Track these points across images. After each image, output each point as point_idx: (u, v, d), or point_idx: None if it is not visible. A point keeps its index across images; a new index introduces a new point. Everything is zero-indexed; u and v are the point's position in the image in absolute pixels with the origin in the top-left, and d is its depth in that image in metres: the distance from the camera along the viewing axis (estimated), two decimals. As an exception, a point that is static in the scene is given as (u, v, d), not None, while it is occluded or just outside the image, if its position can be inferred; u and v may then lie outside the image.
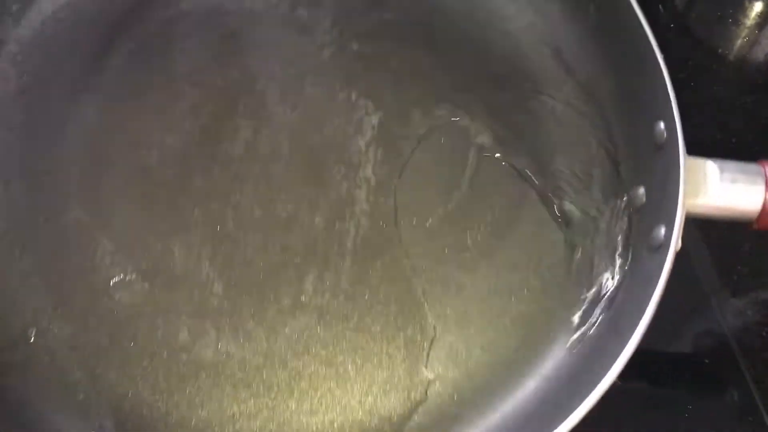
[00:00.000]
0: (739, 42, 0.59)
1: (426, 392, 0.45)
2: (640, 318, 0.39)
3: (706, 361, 0.52)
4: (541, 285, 0.47)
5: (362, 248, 0.48)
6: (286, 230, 0.48)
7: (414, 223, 0.49)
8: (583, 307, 0.46)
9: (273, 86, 0.52)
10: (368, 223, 0.48)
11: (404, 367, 0.45)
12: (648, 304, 0.40)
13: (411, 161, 0.50)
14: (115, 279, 0.46)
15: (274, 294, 0.46)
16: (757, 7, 0.58)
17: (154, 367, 0.44)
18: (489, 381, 0.45)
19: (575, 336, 0.45)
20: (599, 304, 0.45)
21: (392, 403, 0.45)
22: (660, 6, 0.55)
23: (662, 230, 0.42)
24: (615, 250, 0.47)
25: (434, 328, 0.46)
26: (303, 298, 0.46)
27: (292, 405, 0.44)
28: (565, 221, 0.48)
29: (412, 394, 0.45)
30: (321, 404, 0.44)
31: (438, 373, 0.45)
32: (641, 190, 0.47)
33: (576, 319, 0.46)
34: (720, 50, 0.57)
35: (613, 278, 0.46)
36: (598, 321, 0.45)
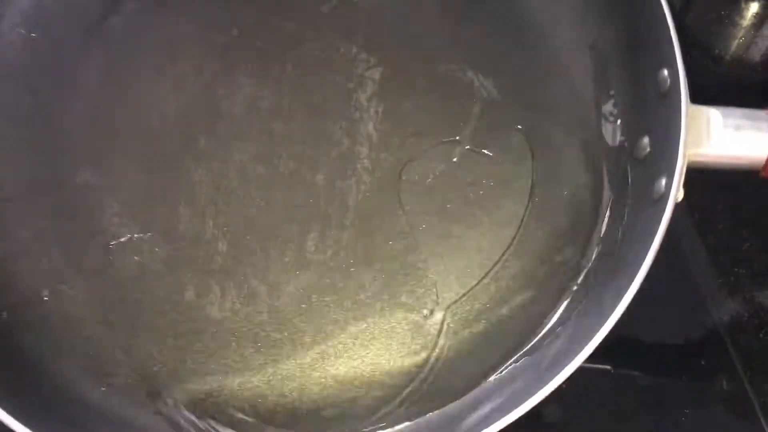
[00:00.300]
0: (735, 43, 0.58)
1: (429, 347, 0.46)
2: (637, 269, 0.39)
3: (702, 362, 0.51)
4: (543, 239, 0.47)
5: (364, 205, 0.48)
6: (288, 188, 0.48)
7: (416, 179, 0.49)
8: (585, 263, 0.46)
9: (272, 43, 0.51)
10: (369, 180, 0.49)
11: (406, 322, 0.46)
12: (645, 254, 0.39)
13: (413, 116, 0.50)
14: (122, 239, 0.47)
15: (277, 251, 0.47)
16: (754, 7, 0.58)
17: (162, 324, 0.45)
18: (491, 335, 0.46)
19: (575, 290, 0.45)
20: (600, 258, 0.45)
21: (394, 358, 0.45)
22: None
23: (663, 181, 0.42)
24: (619, 202, 0.47)
25: (435, 284, 0.46)
26: (306, 255, 0.47)
27: (296, 360, 0.45)
28: (566, 174, 0.48)
29: (414, 349, 0.46)
30: (323, 359, 0.45)
31: (439, 328, 0.46)
32: (645, 140, 0.46)
33: (577, 274, 0.46)
34: (716, 51, 0.57)
35: (616, 232, 0.46)
36: (598, 274, 0.44)
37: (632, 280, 0.39)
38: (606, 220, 0.47)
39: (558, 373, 0.38)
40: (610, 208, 0.47)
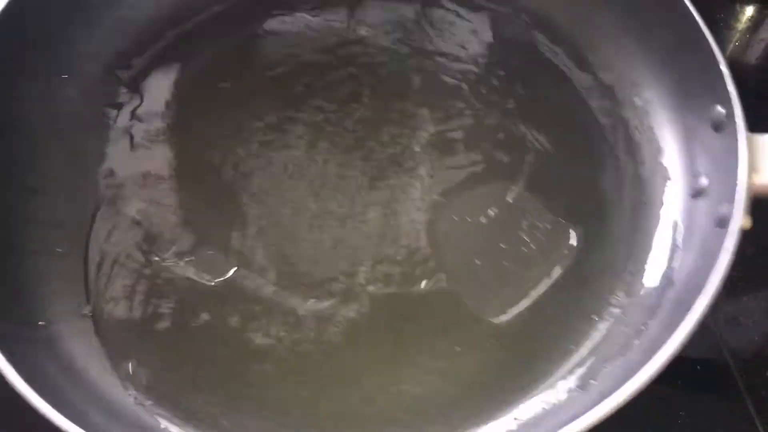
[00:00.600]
0: (730, 46, 0.59)
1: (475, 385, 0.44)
2: (699, 293, 0.38)
3: (698, 367, 0.49)
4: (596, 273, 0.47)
5: (414, 242, 0.48)
6: (340, 224, 0.49)
7: (468, 219, 0.49)
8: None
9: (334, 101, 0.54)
10: (422, 219, 0.49)
11: (448, 358, 0.44)
12: (709, 279, 0.38)
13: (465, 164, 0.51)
14: (172, 262, 0.47)
15: (326, 282, 0.46)
16: (749, 11, 0.59)
17: (200, 348, 0.44)
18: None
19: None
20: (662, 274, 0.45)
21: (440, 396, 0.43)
22: None
23: (726, 207, 0.41)
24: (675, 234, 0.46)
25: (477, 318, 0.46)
26: (355, 289, 0.46)
27: (339, 393, 0.43)
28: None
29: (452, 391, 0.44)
30: (368, 393, 0.43)
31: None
32: (704, 180, 0.45)
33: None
34: None
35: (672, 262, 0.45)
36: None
37: (696, 309, 0.37)
38: (662, 252, 0.46)
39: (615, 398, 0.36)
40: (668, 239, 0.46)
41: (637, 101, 0.52)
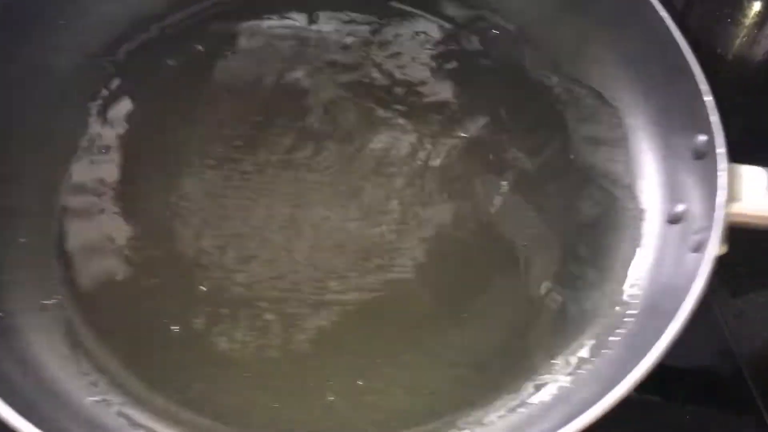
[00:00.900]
0: (737, 42, 0.58)
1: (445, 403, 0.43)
2: (671, 317, 0.37)
3: (707, 363, 0.49)
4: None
5: (388, 253, 0.47)
6: (315, 230, 0.48)
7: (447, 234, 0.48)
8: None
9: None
10: (397, 229, 0.48)
11: (427, 377, 0.43)
12: (680, 307, 0.38)
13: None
14: (137, 261, 0.46)
15: (297, 289, 0.45)
16: (756, 6, 0.58)
17: (165, 350, 0.43)
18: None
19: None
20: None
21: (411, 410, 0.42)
22: None
23: (699, 235, 0.41)
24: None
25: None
26: (326, 296, 0.45)
27: (305, 403, 0.42)
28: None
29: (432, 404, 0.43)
30: (333, 402, 0.42)
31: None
32: (681, 207, 0.45)
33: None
34: (719, 50, 0.57)
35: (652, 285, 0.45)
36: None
37: (665, 332, 0.37)
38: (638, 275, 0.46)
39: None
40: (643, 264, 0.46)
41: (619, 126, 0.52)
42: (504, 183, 0.50)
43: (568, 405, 0.40)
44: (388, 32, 0.56)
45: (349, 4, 0.56)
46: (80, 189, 0.48)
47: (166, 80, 0.53)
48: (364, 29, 0.56)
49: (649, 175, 0.49)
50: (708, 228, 0.40)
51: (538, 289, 0.46)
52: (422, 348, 0.44)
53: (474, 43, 0.56)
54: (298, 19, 0.56)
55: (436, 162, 0.51)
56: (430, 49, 0.55)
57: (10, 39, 0.49)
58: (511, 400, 0.42)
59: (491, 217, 0.49)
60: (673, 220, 0.46)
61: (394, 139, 0.51)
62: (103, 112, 0.51)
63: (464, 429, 0.42)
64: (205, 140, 0.51)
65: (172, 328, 0.44)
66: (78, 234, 0.46)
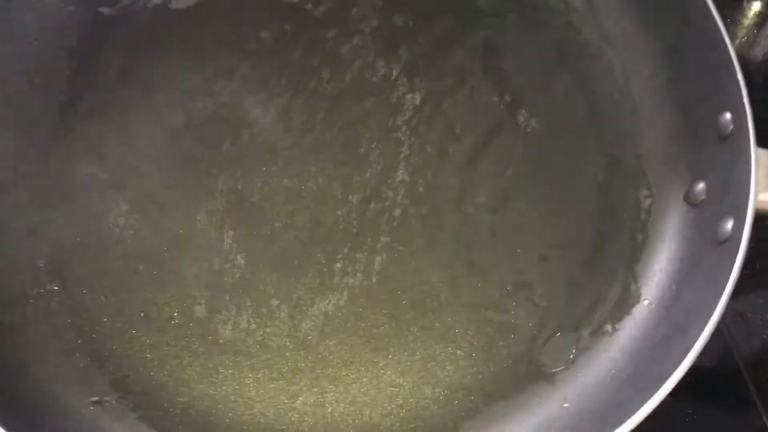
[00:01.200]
0: (737, 42, 0.58)
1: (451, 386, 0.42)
2: (710, 313, 0.36)
3: (707, 364, 0.50)
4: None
5: (398, 230, 0.45)
6: (317, 205, 0.45)
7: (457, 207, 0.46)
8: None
9: (312, 55, 0.49)
10: (405, 203, 0.45)
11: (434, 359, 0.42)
12: (719, 298, 0.37)
13: (453, 141, 0.47)
14: (128, 242, 0.42)
15: (302, 271, 0.43)
16: (756, 6, 0.58)
17: (165, 341, 0.40)
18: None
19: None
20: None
21: (423, 398, 0.41)
22: None
23: (730, 223, 0.40)
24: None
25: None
26: (333, 278, 0.43)
27: (315, 392, 0.41)
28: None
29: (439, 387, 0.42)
30: (346, 394, 0.41)
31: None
32: (701, 185, 0.44)
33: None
34: None
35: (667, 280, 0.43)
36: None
37: (703, 328, 0.36)
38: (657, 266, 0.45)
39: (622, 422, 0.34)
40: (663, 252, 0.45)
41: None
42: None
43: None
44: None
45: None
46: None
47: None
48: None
49: (666, 151, 0.47)
50: (737, 218, 0.39)
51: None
52: (434, 333, 0.43)
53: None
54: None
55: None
56: None
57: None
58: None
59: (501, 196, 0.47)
60: (692, 200, 0.44)
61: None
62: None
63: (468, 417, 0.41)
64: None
65: (173, 315, 0.41)
66: (68, 225, 0.42)
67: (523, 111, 0.48)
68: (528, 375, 0.42)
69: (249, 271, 0.42)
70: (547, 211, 0.46)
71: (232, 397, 0.40)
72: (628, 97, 0.48)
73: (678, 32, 0.46)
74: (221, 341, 0.41)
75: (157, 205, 0.43)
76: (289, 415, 0.40)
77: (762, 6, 0.60)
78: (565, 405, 0.40)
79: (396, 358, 0.42)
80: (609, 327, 0.43)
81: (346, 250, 0.43)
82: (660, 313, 0.42)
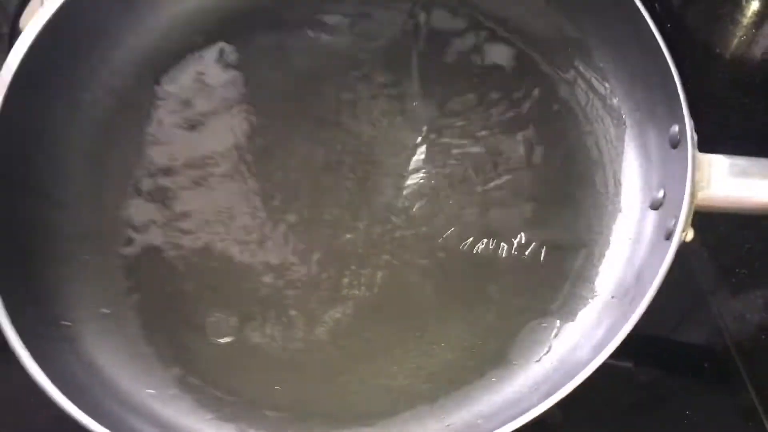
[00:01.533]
0: (736, 41, 0.58)
1: (444, 380, 0.49)
2: (633, 311, 0.42)
3: (706, 365, 0.51)
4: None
5: (397, 249, 0.53)
6: (332, 231, 0.53)
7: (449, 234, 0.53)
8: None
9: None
10: (403, 227, 0.53)
11: (427, 358, 0.49)
12: (648, 290, 0.42)
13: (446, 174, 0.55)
14: (180, 268, 0.53)
15: (316, 285, 0.52)
16: (754, 5, 0.58)
17: (207, 343, 0.50)
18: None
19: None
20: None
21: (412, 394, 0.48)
22: (656, 5, 0.56)
23: (673, 221, 0.45)
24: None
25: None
26: (342, 291, 0.51)
27: (326, 382, 0.49)
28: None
29: (433, 381, 0.49)
30: (352, 387, 0.49)
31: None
32: (661, 192, 0.49)
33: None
34: (717, 49, 0.57)
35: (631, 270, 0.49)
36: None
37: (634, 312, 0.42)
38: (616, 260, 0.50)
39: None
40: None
41: (614, 108, 0.55)
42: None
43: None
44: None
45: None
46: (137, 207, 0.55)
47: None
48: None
49: (632, 161, 0.53)
50: (677, 216, 0.44)
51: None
52: (431, 335, 0.50)
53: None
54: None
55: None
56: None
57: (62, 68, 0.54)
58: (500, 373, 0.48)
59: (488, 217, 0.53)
60: (654, 205, 0.49)
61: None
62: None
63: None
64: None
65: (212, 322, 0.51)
66: (135, 245, 0.53)
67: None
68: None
69: (273, 288, 0.52)
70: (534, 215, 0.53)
71: (258, 394, 0.49)
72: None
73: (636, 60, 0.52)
74: (251, 345, 0.50)
75: (197, 237, 0.54)
76: (304, 407, 0.48)
77: (760, 5, 0.60)
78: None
79: (392, 353, 0.49)
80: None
81: (353, 267, 0.52)
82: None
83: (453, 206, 0.54)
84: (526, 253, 0.52)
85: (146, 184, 0.55)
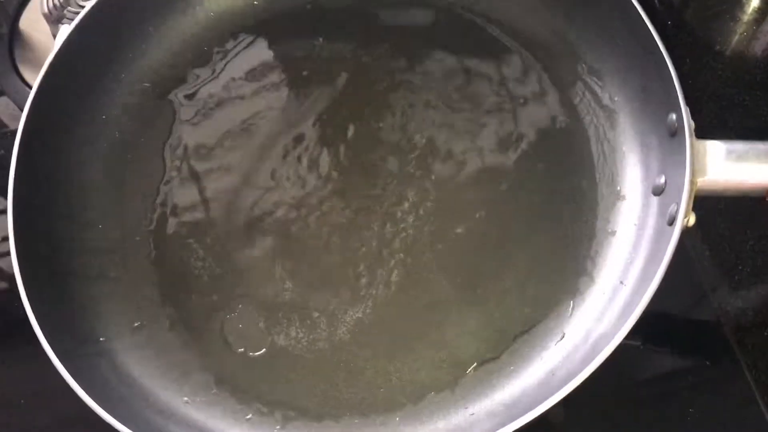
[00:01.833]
0: (736, 38, 0.59)
1: (465, 370, 0.51)
2: (643, 294, 0.44)
3: (707, 362, 0.52)
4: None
5: (410, 247, 0.55)
6: (347, 233, 0.56)
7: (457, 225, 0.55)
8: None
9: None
10: (414, 227, 0.55)
11: (446, 351, 0.51)
12: (655, 274, 0.44)
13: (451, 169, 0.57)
14: (205, 278, 0.55)
15: (336, 287, 0.54)
16: (754, 2, 0.59)
17: (234, 350, 0.53)
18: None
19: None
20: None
21: (444, 382, 0.50)
22: (657, 2, 0.57)
23: (674, 208, 0.46)
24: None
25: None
26: (361, 290, 0.54)
27: (350, 377, 0.51)
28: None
29: (454, 372, 0.51)
30: (377, 383, 0.51)
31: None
32: (662, 179, 0.51)
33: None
34: (717, 46, 0.58)
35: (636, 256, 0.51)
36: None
37: (645, 293, 0.44)
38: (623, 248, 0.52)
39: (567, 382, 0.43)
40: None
41: (609, 103, 0.57)
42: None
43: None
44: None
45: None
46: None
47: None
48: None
49: (634, 150, 0.55)
50: (678, 201, 0.46)
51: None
52: (449, 330, 0.52)
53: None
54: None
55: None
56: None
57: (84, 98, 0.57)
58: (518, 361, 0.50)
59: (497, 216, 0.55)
60: (656, 191, 0.51)
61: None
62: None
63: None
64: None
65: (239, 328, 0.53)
66: (160, 258, 0.56)
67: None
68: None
69: (296, 293, 0.54)
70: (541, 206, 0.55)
71: (287, 391, 0.51)
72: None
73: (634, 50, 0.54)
74: (277, 348, 0.52)
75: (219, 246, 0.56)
76: (331, 403, 0.51)
77: (760, 2, 0.62)
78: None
79: (413, 348, 0.52)
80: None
81: (369, 266, 0.54)
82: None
83: (461, 202, 0.56)
84: (537, 242, 0.54)
85: (168, 197, 0.58)
